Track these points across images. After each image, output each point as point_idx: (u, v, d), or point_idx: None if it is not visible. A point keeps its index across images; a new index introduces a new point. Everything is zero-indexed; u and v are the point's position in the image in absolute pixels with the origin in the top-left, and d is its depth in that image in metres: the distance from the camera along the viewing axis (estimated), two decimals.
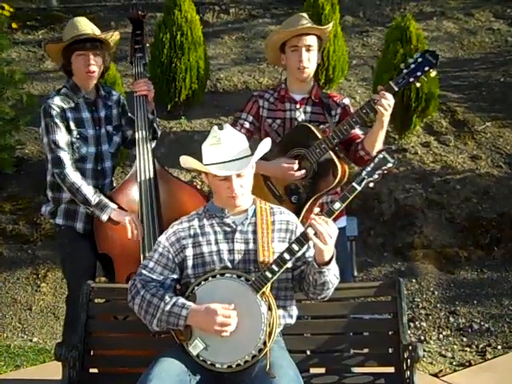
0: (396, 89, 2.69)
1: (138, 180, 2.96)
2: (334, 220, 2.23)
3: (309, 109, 2.97)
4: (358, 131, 2.92)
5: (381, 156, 2.24)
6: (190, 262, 2.33)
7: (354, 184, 2.21)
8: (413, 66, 2.66)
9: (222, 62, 6.65)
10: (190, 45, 5.57)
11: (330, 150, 2.79)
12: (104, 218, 2.89)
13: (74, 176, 2.92)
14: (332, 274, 2.26)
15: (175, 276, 2.35)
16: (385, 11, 7.68)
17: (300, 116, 2.96)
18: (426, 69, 2.66)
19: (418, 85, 2.77)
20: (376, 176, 2.22)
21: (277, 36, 2.97)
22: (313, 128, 2.85)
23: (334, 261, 2.24)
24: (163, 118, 5.54)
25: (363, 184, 2.21)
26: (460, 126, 5.74)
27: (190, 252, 2.33)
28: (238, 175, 2.28)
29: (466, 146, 5.56)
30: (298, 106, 2.97)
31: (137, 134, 3.02)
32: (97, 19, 7.40)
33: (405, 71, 2.68)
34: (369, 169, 2.22)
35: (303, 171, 2.85)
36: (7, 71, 5.10)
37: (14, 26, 6.70)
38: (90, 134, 3.02)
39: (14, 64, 6.16)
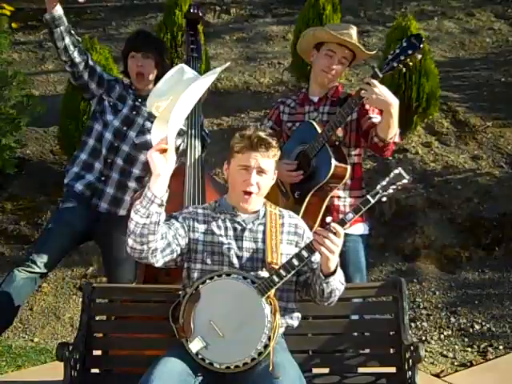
0: (380, 75, 2.66)
1: (187, 175, 2.97)
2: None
3: (326, 109, 2.97)
4: (373, 120, 2.84)
5: (397, 171, 2.26)
6: (200, 247, 2.32)
7: (368, 197, 2.23)
8: (398, 51, 2.65)
9: (222, 62, 6.65)
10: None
11: (326, 143, 2.79)
12: None
13: None
14: (338, 281, 2.27)
15: (181, 241, 2.30)
16: (386, 11, 7.67)
17: (317, 117, 2.97)
18: (410, 52, 2.62)
19: (403, 69, 2.72)
20: (390, 191, 2.24)
21: (319, 33, 2.94)
22: (314, 123, 2.86)
23: (338, 268, 2.25)
24: None
25: (377, 197, 2.23)
26: (461, 126, 5.74)
27: (201, 237, 2.33)
28: (260, 171, 2.29)
29: (467, 146, 5.55)
30: (315, 108, 2.98)
31: (189, 131, 3.06)
32: (98, 20, 7.43)
33: (389, 57, 2.67)
34: (384, 183, 2.24)
35: (299, 172, 2.86)
36: (10, 72, 5.09)
37: (14, 25, 6.69)
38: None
39: (15, 64, 6.17)
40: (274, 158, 2.35)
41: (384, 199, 2.26)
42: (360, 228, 3.00)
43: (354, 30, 2.93)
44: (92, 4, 7.81)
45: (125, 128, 3.17)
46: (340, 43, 2.88)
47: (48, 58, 6.87)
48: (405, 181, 2.26)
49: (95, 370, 2.63)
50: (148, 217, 2.11)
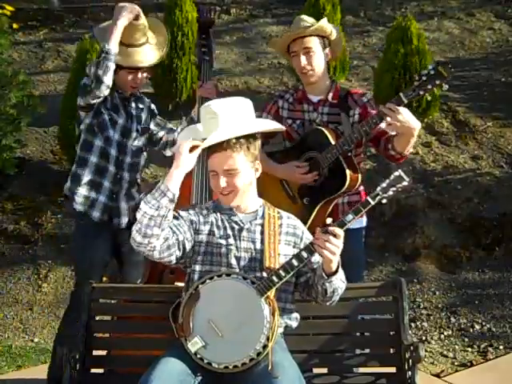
0: (405, 101, 2.66)
1: (195, 174, 3.00)
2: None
3: (326, 110, 2.95)
4: (381, 126, 2.83)
5: (397, 174, 2.26)
6: (202, 249, 2.33)
7: (368, 198, 2.24)
8: (424, 78, 2.63)
9: (223, 63, 6.65)
10: (191, 45, 5.57)
11: (340, 155, 2.79)
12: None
13: None
14: (339, 280, 2.28)
15: (187, 244, 2.30)
16: (386, 11, 7.68)
17: (318, 118, 2.96)
18: (438, 82, 2.62)
19: (428, 98, 2.74)
20: (390, 193, 2.25)
21: (277, 43, 3.03)
22: (326, 132, 2.84)
23: (340, 268, 2.26)
24: (164, 119, 5.54)
25: (377, 199, 2.24)
26: (461, 126, 5.74)
27: (204, 238, 2.34)
28: (227, 173, 2.27)
29: (467, 146, 5.56)
30: (315, 108, 2.97)
31: None
32: (98, 20, 7.42)
33: (416, 83, 2.65)
34: (384, 185, 2.25)
35: (313, 174, 2.87)
36: (11, 72, 5.09)
37: (14, 26, 6.69)
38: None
39: (15, 64, 6.17)
40: (241, 152, 2.28)
41: (384, 201, 2.26)
42: (362, 221, 3.03)
43: (301, 20, 2.93)
44: (92, 4, 7.81)
45: (124, 140, 3.13)
46: (293, 39, 2.90)
47: (48, 58, 6.87)
48: (405, 183, 2.26)
49: (95, 370, 2.63)
50: (157, 209, 2.15)
